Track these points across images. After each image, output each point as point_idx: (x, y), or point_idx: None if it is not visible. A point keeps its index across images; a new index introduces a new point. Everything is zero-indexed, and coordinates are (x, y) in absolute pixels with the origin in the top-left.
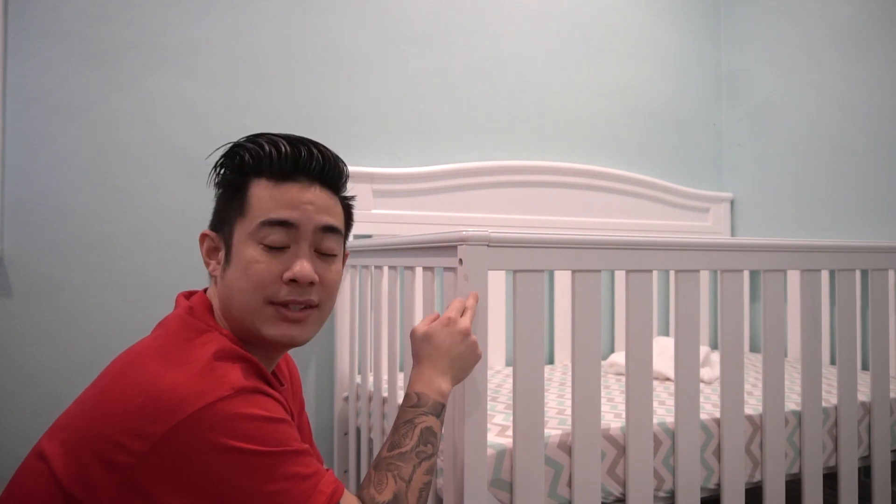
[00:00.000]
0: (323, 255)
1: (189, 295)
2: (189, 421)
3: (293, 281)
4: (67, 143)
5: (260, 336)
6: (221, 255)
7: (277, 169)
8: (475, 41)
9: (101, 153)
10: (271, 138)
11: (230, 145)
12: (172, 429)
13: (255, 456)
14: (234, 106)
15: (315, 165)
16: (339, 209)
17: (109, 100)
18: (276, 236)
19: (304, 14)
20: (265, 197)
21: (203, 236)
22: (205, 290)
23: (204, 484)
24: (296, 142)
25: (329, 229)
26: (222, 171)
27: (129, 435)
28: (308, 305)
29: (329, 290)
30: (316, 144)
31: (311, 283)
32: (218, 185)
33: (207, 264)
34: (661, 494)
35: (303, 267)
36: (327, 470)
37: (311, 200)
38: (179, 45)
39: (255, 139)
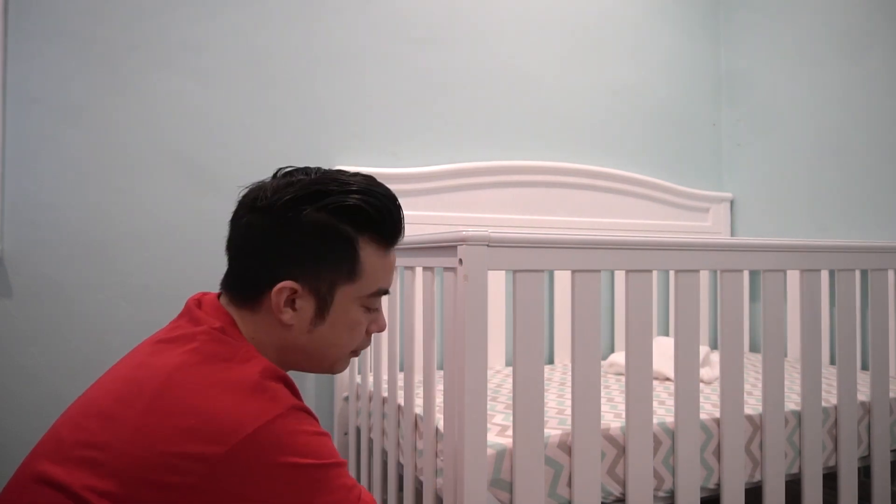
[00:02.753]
0: None
1: (199, 301)
2: (249, 440)
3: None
4: (67, 143)
5: (325, 372)
6: (309, 307)
7: (388, 236)
8: (476, 41)
9: (102, 154)
10: (379, 201)
11: (330, 190)
12: (232, 449)
13: (313, 469)
14: (235, 106)
15: (404, 232)
16: None
17: (110, 100)
18: (379, 301)
19: (305, 15)
20: (378, 265)
21: (285, 289)
22: (217, 296)
23: (266, 501)
24: (394, 201)
25: None
26: (321, 215)
27: (184, 457)
28: None
29: None
30: (399, 205)
31: None
32: (312, 234)
33: (280, 312)
34: (661, 494)
35: (385, 324)
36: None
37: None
38: (181, 45)
39: (365, 196)
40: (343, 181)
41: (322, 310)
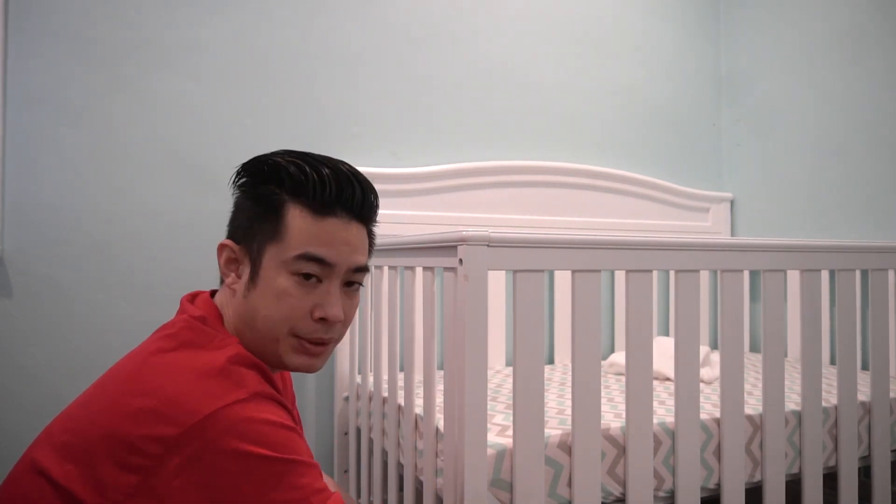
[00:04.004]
0: (348, 288)
1: (193, 297)
2: (203, 423)
3: (322, 319)
4: (67, 143)
5: (277, 361)
6: (245, 270)
7: (318, 199)
8: (475, 41)
9: (102, 154)
10: (314, 163)
11: (266, 157)
12: (186, 431)
13: (268, 461)
14: (235, 106)
15: (356, 202)
16: (367, 241)
17: (110, 100)
18: (310, 270)
19: (305, 15)
20: (303, 228)
21: (223, 246)
22: (211, 294)
23: (214, 487)
24: (338, 172)
25: (360, 269)
26: (256, 183)
27: (144, 438)
28: (329, 340)
29: (348, 323)
30: (356, 175)
31: (338, 321)
32: (248, 196)
33: (225, 275)
34: (661, 494)
35: (335, 309)
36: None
37: (347, 241)
38: (181, 45)
39: (296, 160)
40: (281, 151)
41: (254, 273)
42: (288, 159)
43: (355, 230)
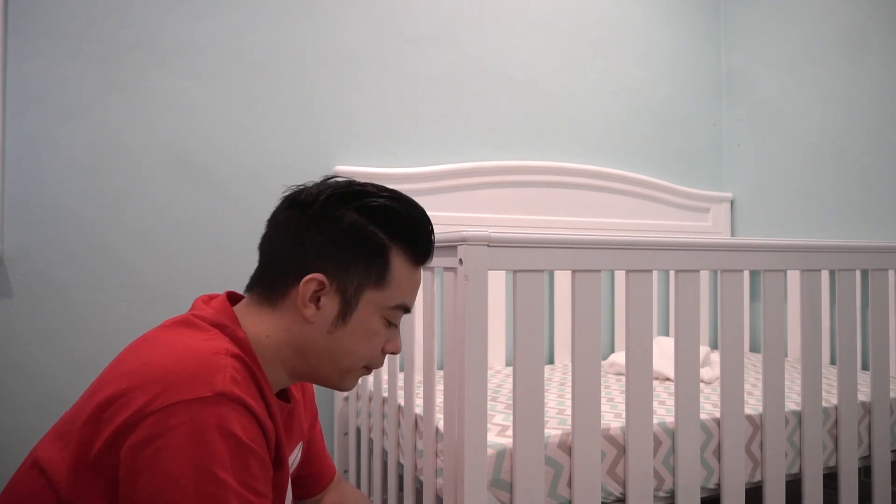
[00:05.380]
0: None
1: (209, 299)
2: (157, 415)
3: (386, 352)
4: (67, 143)
5: (331, 385)
6: (332, 306)
7: (419, 250)
8: (475, 41)
9: (101, 153)
10: (417, 212)
11: (371, 196)
12: (133, 415)
13: (203, 478)
14: (235, 106)
15: (433, 254)
16: None
17: (110, 100)
18: (399, 317)
19: (305, 14)
20: (405, 279)
21: (314, 280)
22: (226, 295)
23: (132, 488)
24: (431, 225)
25: None
26: (365, 222)
27: (103, 420)
28: None
29: None
30: (432, 227)
31: None
32: (350, 232)
33: (305, 306)
34: (661, 494)
35: (399, 342)
36: None
37: None
38: (180, 45)
39: (399, 203)
40: (379, 186)
41: (345, 311)
42: (393, 203)
43: None
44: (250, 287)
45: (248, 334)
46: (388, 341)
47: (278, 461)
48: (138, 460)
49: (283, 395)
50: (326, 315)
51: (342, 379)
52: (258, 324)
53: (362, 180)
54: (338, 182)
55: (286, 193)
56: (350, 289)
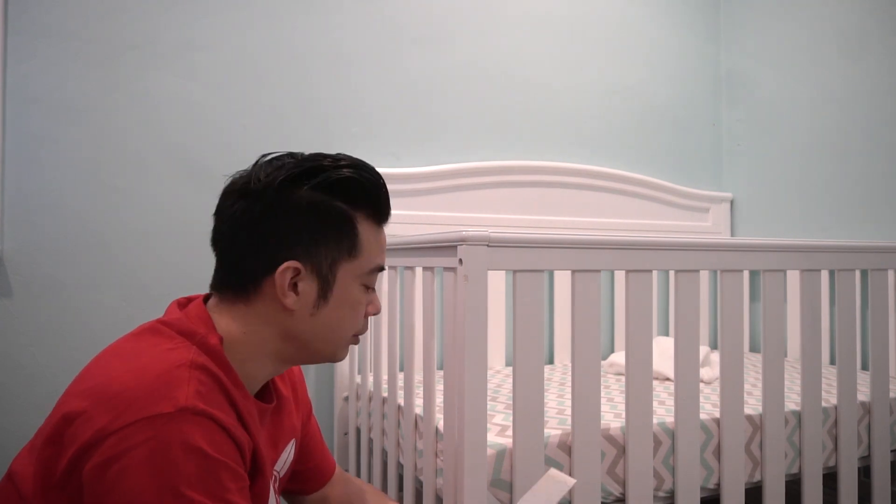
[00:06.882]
0: None
1: (185, 303)
2: (118, 434)
3: (366, 314)
4: (67, 143)
5: (326, 359)
6: (310, 289)
7: (381, 210)
8: (475, 41)
9: (101, 153)
10: (371, 175)
11: (325, 168)
12: (94, 435)
13: (168, 497)
14: (234, 106)
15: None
16: None
17: (109, 100)
18: (375, 279)
19: (305, 14)
20: (374, 241)
21: (289, 269)
22: (203, 299)
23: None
24: (384, 182)
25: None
26: (325, 198)
27: (64, 442)
28: None
29: None
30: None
31: None
32: (312, 212)
33: (286, 296)
34: (661, 494)
35: (379, 303)
36: None
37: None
38: (179, 45)
39: (357, 170)
40: (334, 157)
41: (325, 290)
42: (351, 171)
43: None
44: (217, 288)
45: (224, 336)
46: (369, 304)
47: (256, 470)
48: (102, 482)
49: (266, 394)
50: (307, 299)
51: (334, 353)
52: (232, 322)
53: (302, 153)
54: (284, 163)
55: (228, 185)
56: (325, 266)
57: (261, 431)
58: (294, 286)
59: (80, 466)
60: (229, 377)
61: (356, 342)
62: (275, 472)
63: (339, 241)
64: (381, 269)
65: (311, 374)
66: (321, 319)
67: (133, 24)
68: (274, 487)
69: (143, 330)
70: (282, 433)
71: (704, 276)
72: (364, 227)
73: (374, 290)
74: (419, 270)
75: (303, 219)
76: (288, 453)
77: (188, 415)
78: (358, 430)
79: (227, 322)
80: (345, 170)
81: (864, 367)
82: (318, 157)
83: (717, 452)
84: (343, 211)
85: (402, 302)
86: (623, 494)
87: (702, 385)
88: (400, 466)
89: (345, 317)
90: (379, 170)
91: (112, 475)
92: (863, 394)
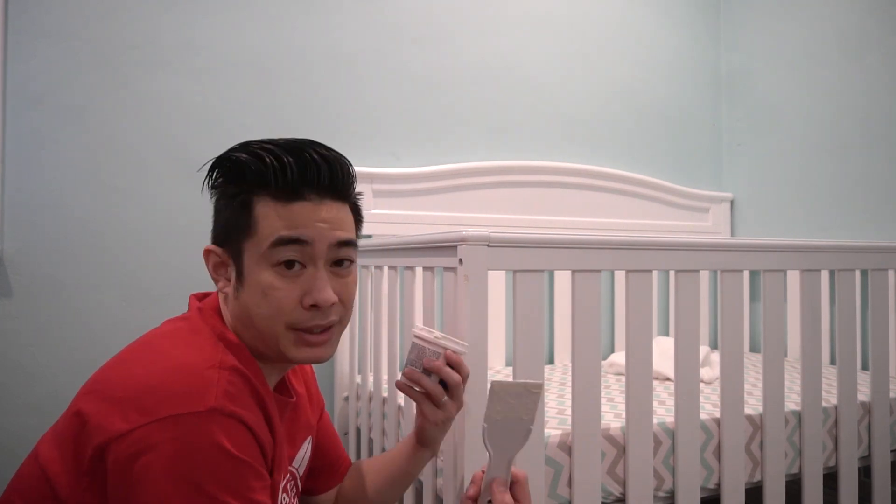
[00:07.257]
0: (339, 267)
1: (202, 297)
2: (147, 429)
3: (313, 306)
4: (67, 143)
5: (282, 357)
6: (231, 272)
7: (283, 186)
8: (475, 41)
9: (101, 153)
10: (272, 149)
11: (228, 154)
12: (123, 427)
13: (192, 495)
14: (234, 106)
15: (323, 181)
16: (350, 216)
17: (110, 100)
18: (289, 256)
19: (305, 14)
20: (272, 217)
21: (208, 252)
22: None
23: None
24: (298, 152)
25: (344, 243)
26: (221, 181)
27: (94, 431)
28: (330, 326)
29: (348, 304)
30: (318, 150)
31: (332, 305)
32: (220, 197)
33: (216, 280)
34: (661, 494)
35: (324, 293)
36: None
37: (323, 219)
38: (180, 45)
39: (252, 149)
40: (248, 143)
41: (239, 272)
42: (249, 152)
43: (329, 206)
44: None
45: (232, 329)
46: (305, 294)
47: (272, 470)
48: (127, 474)
49: (284, 390)
50: (232, 283)
51: (281, 350)
52: (228, 315)
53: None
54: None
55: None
56: (234, 248)
57: (281, 428)
58: (224, 272)
59: (106, 457)
60: (256, 375)
61: (307, 340)
62: (293, 469)
63: (238, 222)
64: (291, 240)
65: None
66: (243, 304)
67: (133, 24)
68: (286, 488)
69: (175, 328)
70: (298, 430)
71: (704, 276)
72: (262, 205)
73: (307, 275)
74: (419, 270)
75: (215, 206)
76: (305, 450)
77: (217, 415)
78: (358, 430)
79: (227, 316)
80: (239, 154)
81: (865, 367)
82: (237, 146)
83: (718, 452)
84: (236, 193)
85: (402, 302)
86: (623, 494)
87: (702, 385)
88: None
89: (259, 302)
90: (379, 170)
91: (138, 469)
92: (863, 394)
